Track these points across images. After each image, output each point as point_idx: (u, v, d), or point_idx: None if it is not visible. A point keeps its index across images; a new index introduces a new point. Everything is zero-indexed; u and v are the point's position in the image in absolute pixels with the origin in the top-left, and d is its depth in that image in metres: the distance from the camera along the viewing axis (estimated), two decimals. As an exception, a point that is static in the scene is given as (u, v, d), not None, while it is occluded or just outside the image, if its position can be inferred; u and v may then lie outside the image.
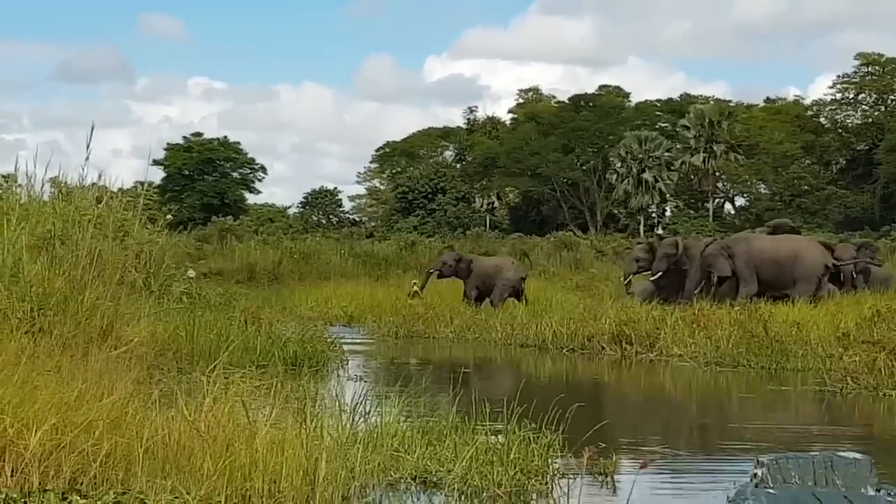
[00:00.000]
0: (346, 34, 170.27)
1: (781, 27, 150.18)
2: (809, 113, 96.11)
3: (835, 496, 3.94)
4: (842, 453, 4.38)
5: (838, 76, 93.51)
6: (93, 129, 14.08)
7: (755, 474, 4.12)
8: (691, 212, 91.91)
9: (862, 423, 14.18)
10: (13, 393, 7.81)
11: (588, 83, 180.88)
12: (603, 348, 21.87)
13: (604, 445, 9.87)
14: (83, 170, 16.24)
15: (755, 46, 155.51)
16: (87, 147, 14.36)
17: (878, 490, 4.05)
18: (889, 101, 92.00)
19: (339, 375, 16.34)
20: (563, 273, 42.42)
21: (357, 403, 9.73)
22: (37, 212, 14.89)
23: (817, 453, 4.31)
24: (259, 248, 48.01)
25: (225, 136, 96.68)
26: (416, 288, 29.75)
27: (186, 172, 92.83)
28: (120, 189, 20.54)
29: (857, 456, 4.29)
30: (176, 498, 7.16)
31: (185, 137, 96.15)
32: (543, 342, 23.11)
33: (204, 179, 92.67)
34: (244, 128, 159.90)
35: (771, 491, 4.05)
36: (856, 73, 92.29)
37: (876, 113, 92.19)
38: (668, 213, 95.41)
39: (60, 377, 8.89)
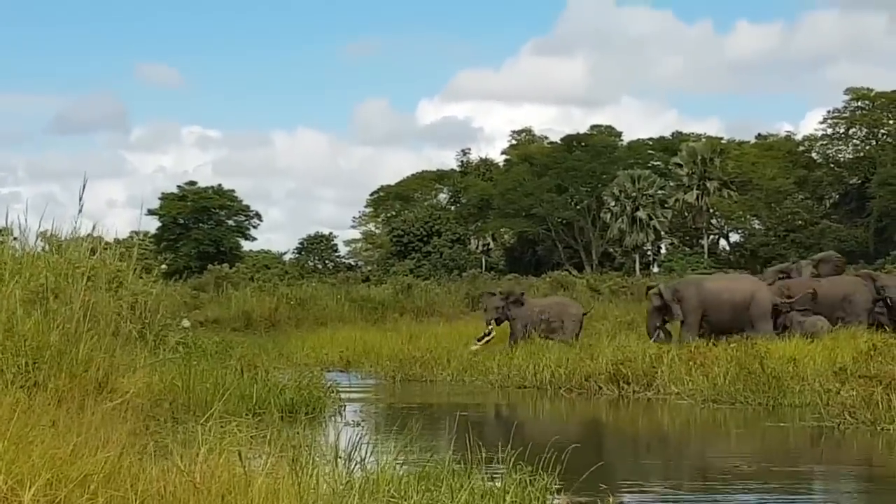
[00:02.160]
0: (340, 79, 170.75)
1: (774, 62, 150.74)
2: (801, 148, 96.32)
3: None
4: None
5: (829, 111, 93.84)
6: (85, 181, 14.18)
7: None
8: (686, 249, 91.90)
9: (860, 460, 14.15)
10: (7, 448, 7.79)
11: (581, 123, 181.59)
12: (600, 388, 21.87)
13: (603, 486, 9.87)
14: (76, 222, 16.28)
15: (747, 82, 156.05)
16: (80, 199, 14.43)
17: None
18: (880, 136, 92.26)
19: (335, 421, 16.32)
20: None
21: (353, 450, 9.71)
22: (30, 265, 14.90)
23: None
24: (255, 296, 47.98)
25: (219, 184, 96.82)
26: (478, 344, 28.33)
27: (181, 221, 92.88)
28: (115, 239, 20.61)
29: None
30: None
31: (179, 186, 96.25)
32: (541, 383, 23.11)
33: (199, 228, 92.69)
34: (239, 175, 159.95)
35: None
36: (846, 107, 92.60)
37: (867, 147, 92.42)
38: (663, 251, 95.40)
39: (56, 431, 8.87)
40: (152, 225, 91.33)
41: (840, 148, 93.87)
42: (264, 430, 10.27)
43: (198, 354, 19.47)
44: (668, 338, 26.12)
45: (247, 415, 12.91)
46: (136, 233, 19.89)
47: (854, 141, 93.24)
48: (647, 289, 29.39)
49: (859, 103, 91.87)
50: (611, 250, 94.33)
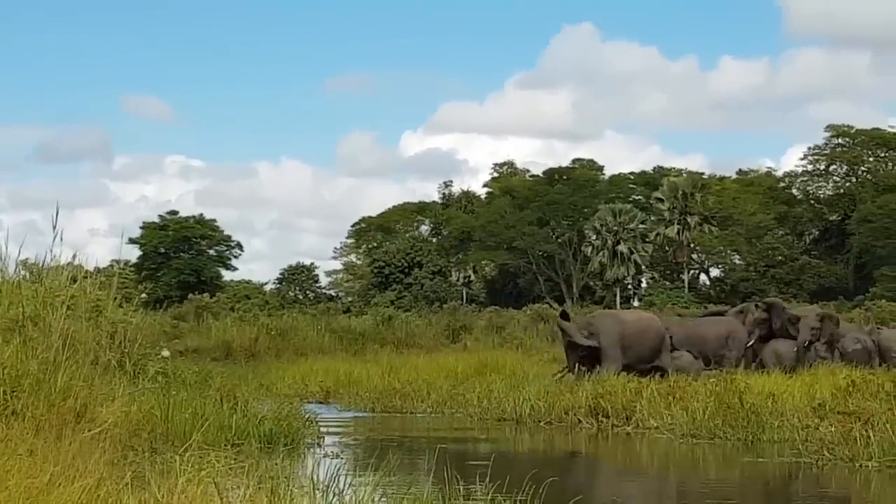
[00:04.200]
0: (325, 111, 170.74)
1: (758, 100, 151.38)
2: (782, 184, 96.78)
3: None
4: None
5: (809, 148, 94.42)
6: (57, 210, 14.25)
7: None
8: (667, 283, 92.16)
9: (837, 497, 14.17)
10: (-16, 477, 7.77)
11: (565, 157, 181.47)
12: (580, 421, 21.86)
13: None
14: (53, 251, 16.27)
15: (731, 118, 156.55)
16: (54, 226, 14.44)
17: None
18: (860, 173, 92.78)
19: (314, 453, 16.28)
20: (540, 346, 42.35)
21: (331, 481, 9.68)
22: (10, 293, 14.86)
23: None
24: (236, 325, 47.78)
25: (201, 214, 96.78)
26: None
27: (162, 250, 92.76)
28: (95, 268, 20.56)
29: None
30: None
31: (160, 216, 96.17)
32: (520, 416, 23.08)
33: (180, 257, 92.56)
34: (222, 205, 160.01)
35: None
36: (826, 144, 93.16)
37: (847, 184, 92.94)
38: (643, 285, 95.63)
39: (33, 460, 8.84)
40: (133, 254, 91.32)
41: (820, 184, 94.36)
42: (243, 461, 10.23)
43: (177, 384, 19.40)
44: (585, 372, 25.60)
45: (225, 445, 12.89)
46: (117, 261, 19.88)
47: (834, 178, 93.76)
48: (561, 312, 29.42)
49: (839, 140, 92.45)
50: (591, 283, 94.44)
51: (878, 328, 32.40)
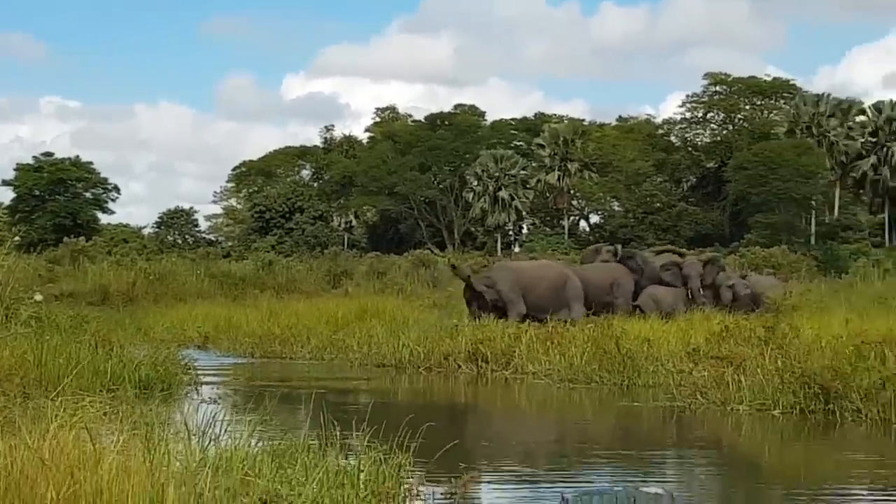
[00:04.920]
0: (204, 52, 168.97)
1: (638, 47, 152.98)
2: (660, 131, 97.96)
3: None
4: (644, 489, 4.47)
5: (688, 95, 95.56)
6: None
7: (560, 510, 4.18)
8: (547, 229, 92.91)
9: (709, 440, 14.44)
10: None
11: (447, 102, 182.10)
12: (459, 367, 21.97)
13: (464, 465, 9.92)
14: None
15: (612, 65, 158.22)
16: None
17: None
18: (737, 121, 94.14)
19: (191, 398, 16.16)
20: (421, 291, 42.46)
21: (207, 427, 9.61)
22: None
23: (621, 488, 4.39)
24: (113, 270, 47.13)
25: (77, 156, 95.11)
26: None
27: (37, 193, 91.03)
28: (-34, 211, 20.11)
29: (659, 491, 4.39)
30: (17, 528, 7.00)
31: (35, 157, 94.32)
32: (400, 361, 23.13)
33: (55, 200, 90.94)
34: (100, 147, 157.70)
35: (574, 527, 4.12)
36: (704, 92, 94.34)
37: (724, 132, 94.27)
38: (524, 231, 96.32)
39: None
40: (7, 196, 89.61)
41: (698, 132, 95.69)
42: (117, 407, 10.10)
43: (51, 329, 19.10)
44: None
45: (100, 391, 12.71)
46: (-11, 204, 19.44)
47: (712, 125, 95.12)
48: (451, 266, 29.60)
49: (717, 88, 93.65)
50: (473, 230, 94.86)
51: (749, 274, 32.89)
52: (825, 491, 10.66)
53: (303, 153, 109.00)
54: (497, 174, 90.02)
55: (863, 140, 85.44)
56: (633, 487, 4.52)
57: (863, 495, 10.70)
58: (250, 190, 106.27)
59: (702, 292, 29.47)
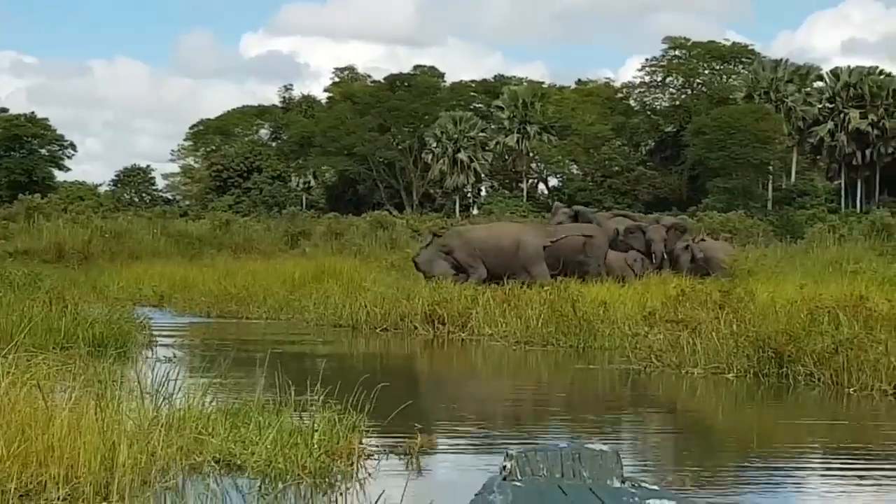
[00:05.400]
0: (162, 8, 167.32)
1: (598, 10, 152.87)
2: (619, 95, 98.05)
3: (580, 489, 4.01)
4: (589, 445, 4.47)
5: (647, 59, 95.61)
6: None
7: (504, 467, 4.17)
8: (506, 192, 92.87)
9: (664, 402, 14.51)
10: None
11: (407, 63, 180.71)
12: (416, 328, 21.99)
13: (419, 426, 9.93)
14: None
15: (572, 28, 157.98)
16: None
17: (622, 482, 4.15)
18: (695, 85, 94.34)
19: (145, 357, 16.09)
20: (379, 252, 42.42)
21: (161, 386, 9.57)
22: None
23: (566, 445, 4.38)
24: (68, 227, 46.89)
25: (32, 112, 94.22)
26: None
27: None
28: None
29: (604, 448, 4.39)
30: (-33, 485, 6.94)
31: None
32: (357, 322, 23.13)
33: (10, 156, 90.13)
34: (55, 103, 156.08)
35: (518, 484, 4.10)
36: (664, 56, 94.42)
37: (683, 96, 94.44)
38: (483, 193, 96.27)
39: None
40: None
41: (657, 96, 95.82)
42: (70, 364, 10.05)
43: (4, 285, 19.00)
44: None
45: (53, 348, 12.65)
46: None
47: (670, 89, 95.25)
48: (433, 234, 29.58)
49: (677, 52, 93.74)
50: (432, 191, 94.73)
51: (703, 239, 32.88)
52: (778, 453, 10.74)
53: (261, 112, 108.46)
54: (456, 136, 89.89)
55: (820, 106, 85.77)
56: (577, 444, 4.51)
57: (815, 458, 10.79)
58: (208, 149, 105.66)
59: (665, 257, 29.59)
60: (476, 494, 3.98)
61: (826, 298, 16.80)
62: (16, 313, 15.32)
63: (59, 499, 6.92)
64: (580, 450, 4.38)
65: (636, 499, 3.92)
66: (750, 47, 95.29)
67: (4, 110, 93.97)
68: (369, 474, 8.70)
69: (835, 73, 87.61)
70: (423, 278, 26.36)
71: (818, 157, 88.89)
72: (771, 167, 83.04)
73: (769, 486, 9.23)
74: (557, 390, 15.77)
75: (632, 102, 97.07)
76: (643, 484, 4.17)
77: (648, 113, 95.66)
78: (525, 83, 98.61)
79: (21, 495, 7.04)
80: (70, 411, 7.87)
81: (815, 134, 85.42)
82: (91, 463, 7.43)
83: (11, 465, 7.18)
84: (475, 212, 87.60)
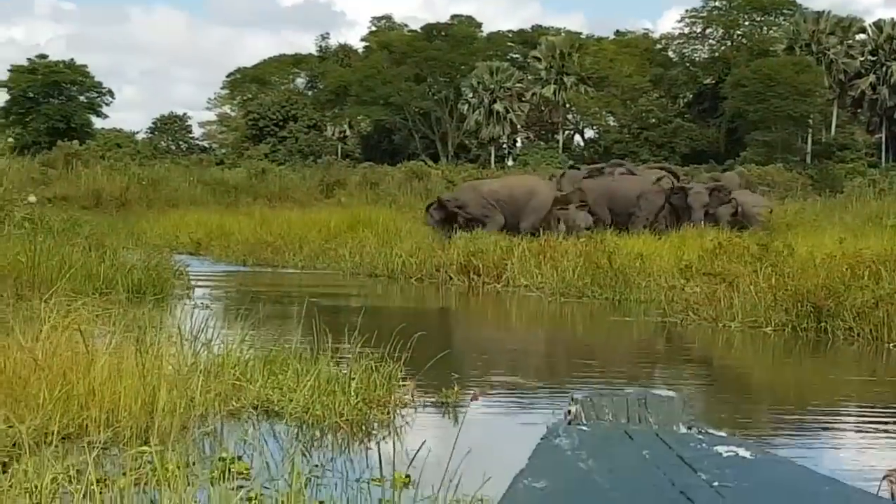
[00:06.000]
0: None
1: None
2: (658, 46, 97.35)
3: (646, 434, 4.00)
4: (655, 391, 4.45)
5: (687, 10, 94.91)
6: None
7: (569, 411, 4.16)
8: (542, 143, 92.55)
9: (700, 356, 14.49)
10: None
11: (444, 12, 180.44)
12: (451, 278, 22.01)
13: (456, 376, 9.95)
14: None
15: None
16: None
17: (689, 427, 4.14)
18: (735, 37, 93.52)
19: (183, 303, 16.17)
20: (414, 203, 42.42)
21: (199, 332, 9.62)
22: None
23: (632, 391, 4.37)
24: (106, 174, 47.16)
25: (72, 59, 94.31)
26: None
27: (31, 95, 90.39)
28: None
29: (671, 394, 4.36)
30: (10, 427, 6.99)
31: (29, 59, 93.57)
32: (392, 272, 23.18)
33: (49, 103, 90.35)
34: (94, 50, 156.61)
35: (583, 428, 4.10)
36: (703, 7, 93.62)
37: (722, 48, 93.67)
38: (518, 145, 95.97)
39: None
40: (1, 98, 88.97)
41: (696, 47, 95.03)
42: (110, 310, 10.11)
43: (44, 231, 19.09)
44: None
45: (93, 294, 12.72)
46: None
47: (710, 41, 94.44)
48: (427, 206, 29.61)
49: (717, 3, 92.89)
50: (467, 142, 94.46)
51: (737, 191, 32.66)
52: (815, 408, 10.70)
53: (297, 61, 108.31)
54: (492, 86, 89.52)
55: (862, 59, 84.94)
56: (644, 390, 4.50)
57: (852, 413, 10.75)
58: (244, 97, 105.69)
59: (703, 224, 29.26)
60: (542, 438, 3.98)
61: (866, 253, 16.68)
62: (56, 258, 15.40)
63: (100, 442, 6.97)
64: (646, 395, 4.37)
65: (703, 445, 3.90)
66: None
67: (43, 56, 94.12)
68: (406, 423, 8.73)
69: (878, 25, 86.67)
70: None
71: (859, 110, 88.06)
72: (811, 120, 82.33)
73: (804, 439, 9.21)
74: (593, 342, 15.77)
75: (670, 54, 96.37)
76: (709, 430, 4.16)
77: (687, 65, 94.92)
78: (563, 34, 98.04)
79: (63, 437, 7.10)
80: (110, 356, 7.92)
81: (857, 87, 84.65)
82: (131, 407, 7.48)
83: (54, 408, 7.24)
84: (510, 163, 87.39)
